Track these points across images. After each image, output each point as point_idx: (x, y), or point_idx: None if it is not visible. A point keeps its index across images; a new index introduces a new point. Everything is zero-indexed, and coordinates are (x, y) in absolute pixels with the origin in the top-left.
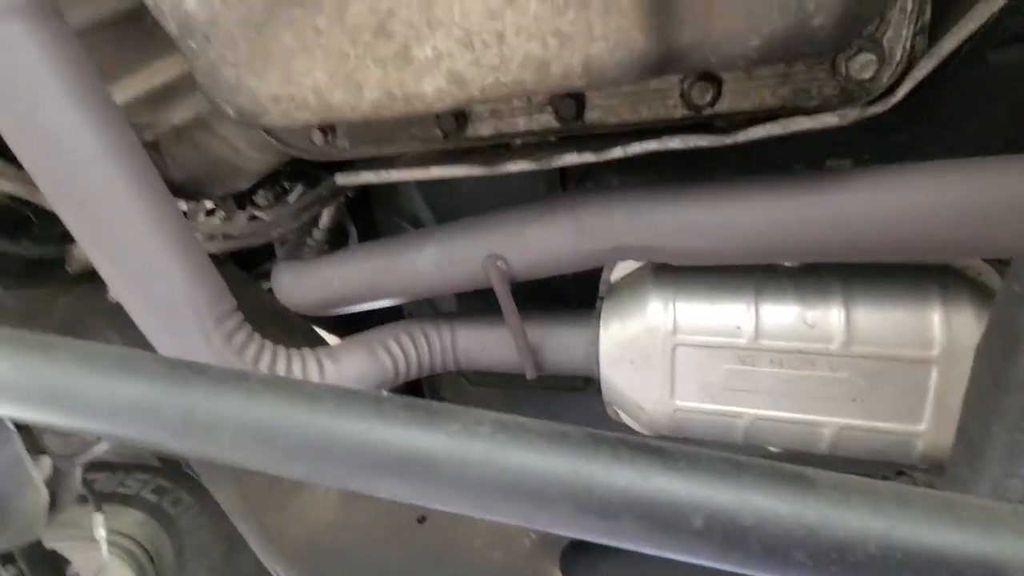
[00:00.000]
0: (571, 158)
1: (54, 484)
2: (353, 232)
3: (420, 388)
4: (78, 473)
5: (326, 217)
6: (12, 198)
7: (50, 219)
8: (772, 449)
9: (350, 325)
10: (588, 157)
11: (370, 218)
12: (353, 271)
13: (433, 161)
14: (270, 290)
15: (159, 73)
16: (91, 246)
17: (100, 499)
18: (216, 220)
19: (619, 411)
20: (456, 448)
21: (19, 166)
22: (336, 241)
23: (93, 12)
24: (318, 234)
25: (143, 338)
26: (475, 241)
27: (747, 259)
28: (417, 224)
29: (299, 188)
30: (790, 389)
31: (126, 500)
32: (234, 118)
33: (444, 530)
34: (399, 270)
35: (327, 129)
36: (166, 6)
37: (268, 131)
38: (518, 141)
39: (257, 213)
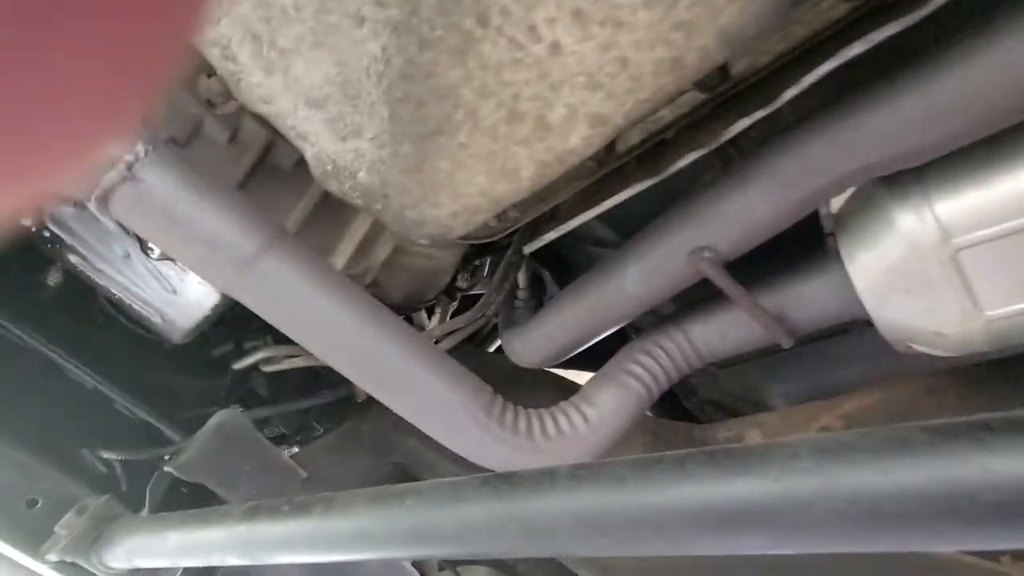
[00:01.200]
0: (741, 124)
1: None
2: (547, 275)
3: None
4: None
5: (522, 276)
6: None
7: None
8: None
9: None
10: (759, 113)
11: (558, 255)
12: (570, 317)
13: (600, 192)
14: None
15: (358, 230)
16: (373, 388)
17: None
18: (443, 322)
19: (912, 344)
20: (783, 489)
21: None
22: (537, 289)
23: (300, 210)
24: (522, 293)
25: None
26: (672, 243)
27: (998, 123)
28: (601, 243)
29: (487, 260)
30: None
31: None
32: (429, 244)
33: None
34: (610, 300)
35: (499, 212)
36: (347, 188)
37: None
38: (669, 133)
39: (468, 292)
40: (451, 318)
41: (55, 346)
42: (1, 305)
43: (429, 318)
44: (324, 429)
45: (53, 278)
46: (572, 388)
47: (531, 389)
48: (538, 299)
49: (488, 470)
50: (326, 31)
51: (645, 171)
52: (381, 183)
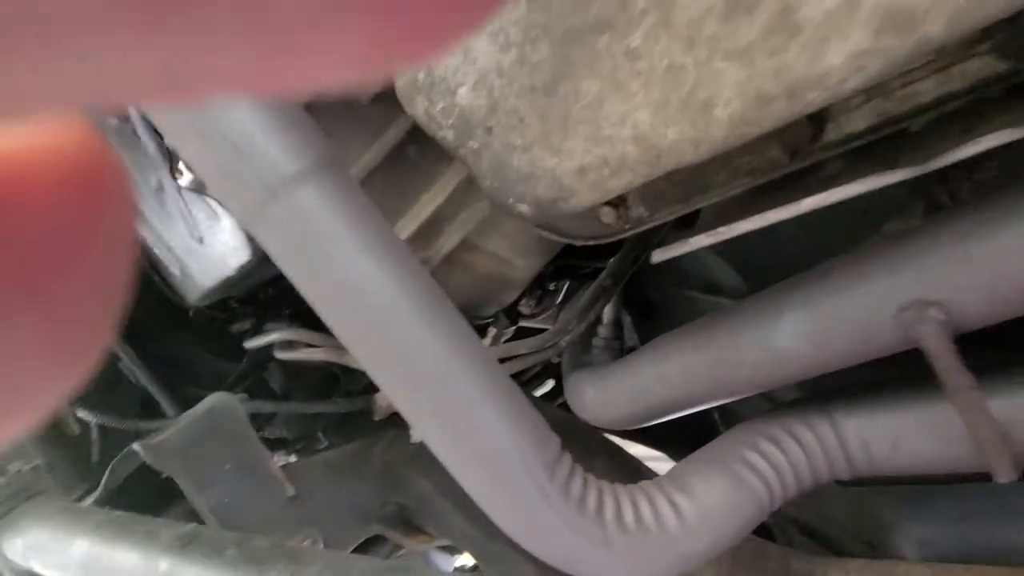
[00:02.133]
0: None
1: None
2: (628, 321)
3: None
4: None
5: (610, 310)
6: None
7: (355, 374)
8: None
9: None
10: None
11: (644, 297)
12: (677, 369)
13: (769, 198)
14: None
15: (427, 206)
16: (403, 397)
17: None
18: (505, 344)
19: None
20: None
21: (328, 333)
22: (620, 332)
23: (366, 158)
24: (604, 330)
25: (452, 482)
26: (869, 290)
27: None
28: (716, 291)
29: (565, 285)
30: None
31: None
32: (530, 216)
33: None
34: (746, 355)
35: (617, 201)
36: (437, 110)
37: (549, 227)
38: (911, 126)
39: (529, 323)
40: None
41: None
42: None
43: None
44: (329, 443)
45: None
46: (632, 465)
47: (583, 455)
48: (620, 342)
49: (525, 552)
50: None
51: (845, 174)
52: (489, 106)
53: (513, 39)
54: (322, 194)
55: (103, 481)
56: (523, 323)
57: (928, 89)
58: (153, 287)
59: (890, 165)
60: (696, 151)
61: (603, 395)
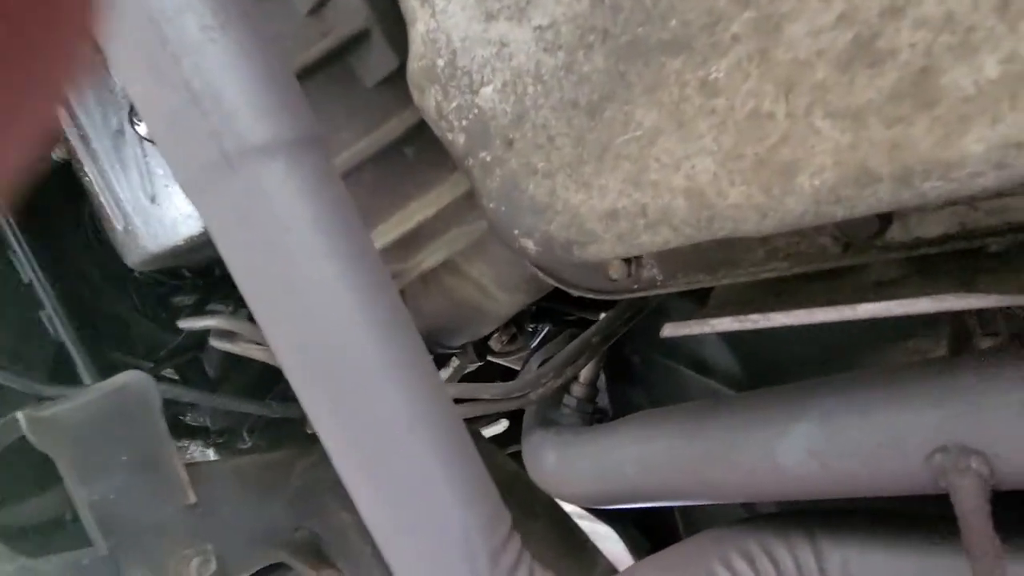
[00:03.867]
0: None
1: None
2: (602, 381)
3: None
4: None
5: (589, 370)
6: None
7: None
8: None
9: None
10: None
11: (622, 357)
12: (660, 454)
13: (803, 290)
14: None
15: (416, 214)
16: (333, 439)
17: None
18: (468, 384)
19: None
20: None
21: None
22: (593, 393)
23: (355, 151)
24: (579, 390)
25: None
26: (905, 415)
27: None
28: (706, 371)
29: (545, 329)
30: None
31: None
32: (534, 256)
33: None
34: (744, 459)
35: (631, 257)
36: (451, 109)
37: (547, 268)
38: (991, 245)
39: (497, 360)
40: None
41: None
42: None
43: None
44: (253, 445)
45: (58, 152)
46: (575, 536)
47: (523, 516)
48: (593, 405)
49: None
50: None
51: (933, 285)
52: (516, 114)
53: (564, 39)
54: (291, 175)
55: None
56: (491, 359)
57: (1021, 206)
58: (107, 249)
59: (966, 284)
60: (760, 222)
61: (567, 465)
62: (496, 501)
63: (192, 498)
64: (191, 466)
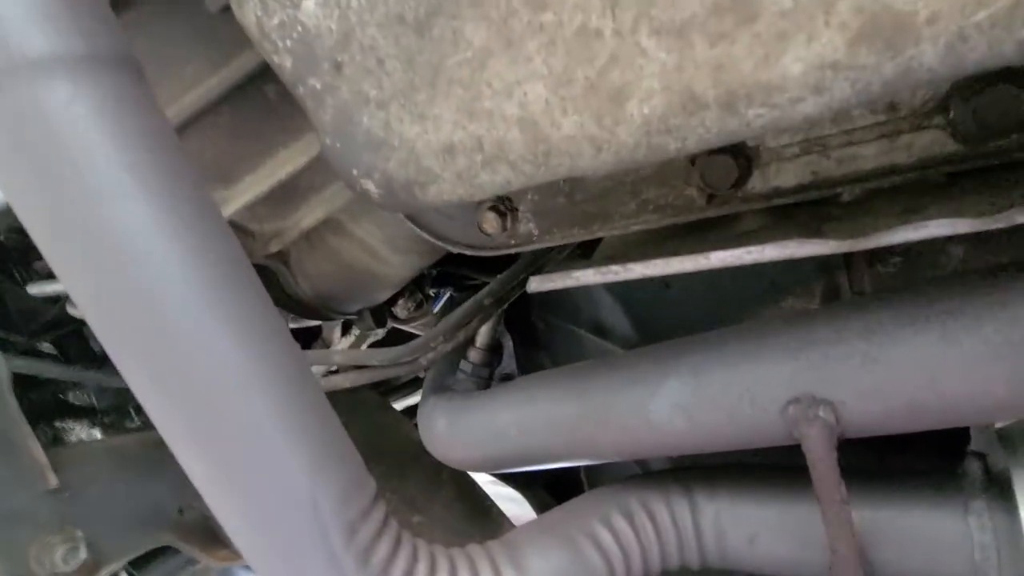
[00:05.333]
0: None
1: None
2: (509, 346)
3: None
4: None
5: (484, 333)
6: None
7: None
8: None
9: None
10: None
11: (528, 323)
12: (540, 416)
13: (676, 241)
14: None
15: (285, 163)
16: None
17: None
18: (353, 350)
19: None
20: None
21: None
22: (492, 356)
23: (205, 88)
24: (475, 355)
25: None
26: (760, 375)
27: None
28: (603, 333)
29: (447, 294)
30: None
31: None
32: (378, 200)
33: None
34: (618, 417)
35: (505, 209)
36: (273, 26)
37: (417, 220)
38: (843, 194)
39: (403, 327)
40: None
41: None
42: None
43: (343, 336)
44: (143, 423)
45: None
46: (481, 504)
47: (426, 485)
48: (491, 369)
49: None
50: None
51: (784, 233)
52: (341, 33)
53: None
54: (78, 98)
55: None
56: (400, 326)
57: (870, 154)
58: None
59: (814, 233)
60: (596, 157)
61: (454, 431)
62: (356, 469)
63: (53, 482)
64: (56, 448)
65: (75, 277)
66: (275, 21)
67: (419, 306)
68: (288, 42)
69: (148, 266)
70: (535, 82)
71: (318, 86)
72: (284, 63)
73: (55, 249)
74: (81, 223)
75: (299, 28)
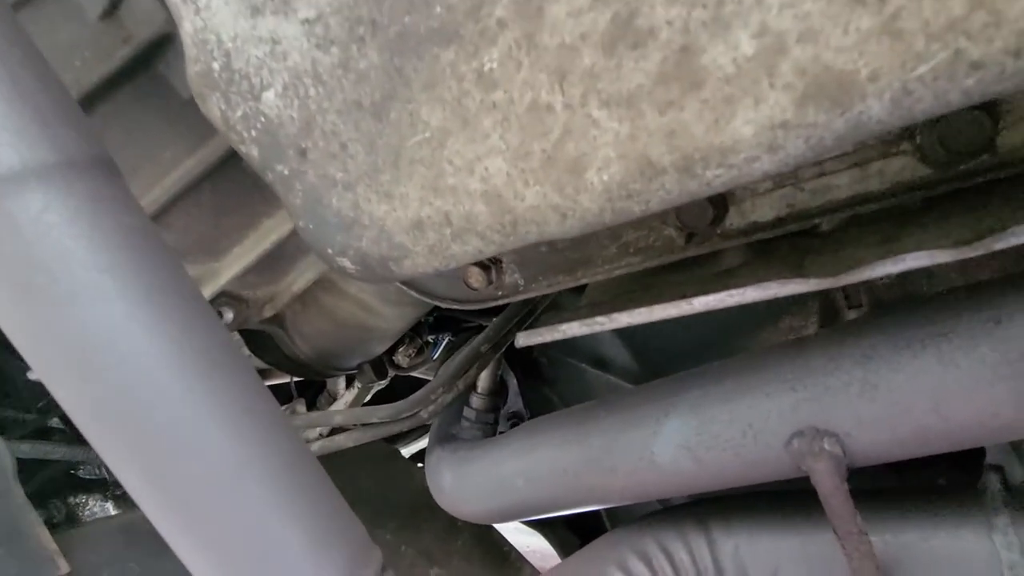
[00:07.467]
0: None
1: None
2: (514, 384)
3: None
4: None
5: (485, 379)
6: None
7: None
8: None
9: None
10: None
11: (531, 360)
12: (545, 465)
13: (662, 282)
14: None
15: (270, 232)
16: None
17: None
18: (354, 408)
19: None
20: None
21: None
22: (496, 399)
23: (190, 164)
24: (477, 401)
25: None
26: (762, 409)
27: None
28: (604, 366)
29: (445, 339)
30: None
31: None
32: (356, 275)
33: None
34: (622, 462)
35: (489, 262)
36: (236, 118)
37: (407, 282)
38: (822, 224)
39: (407, 374)
40: (370, 401)
41: None
42: None
43: (347, 388)
44: None
45: None
46: (498, 550)
47: (444, 534)
48: (495, 413)
49: None
50: None
51: (766, 270)
52: (303, 121)
53: (334, 33)
54: (51, 205)
55: None
56: (403, 374)
57: (843, 184)
58: None
59: (795, 268)
60: (563, 223)
61: (462, 484)
62: (359, 542)
63: (64, 568)
64: (65, 530)
65: (58, 383)
66: (239, 113)
67: (419, 352)
68: (253, 132)
69: (129, 367)
70: (494, 157)
71: (286, 172)
72: (251, 152)
73: (36, 357)
74: (59, 329)
75: (262, 119)
